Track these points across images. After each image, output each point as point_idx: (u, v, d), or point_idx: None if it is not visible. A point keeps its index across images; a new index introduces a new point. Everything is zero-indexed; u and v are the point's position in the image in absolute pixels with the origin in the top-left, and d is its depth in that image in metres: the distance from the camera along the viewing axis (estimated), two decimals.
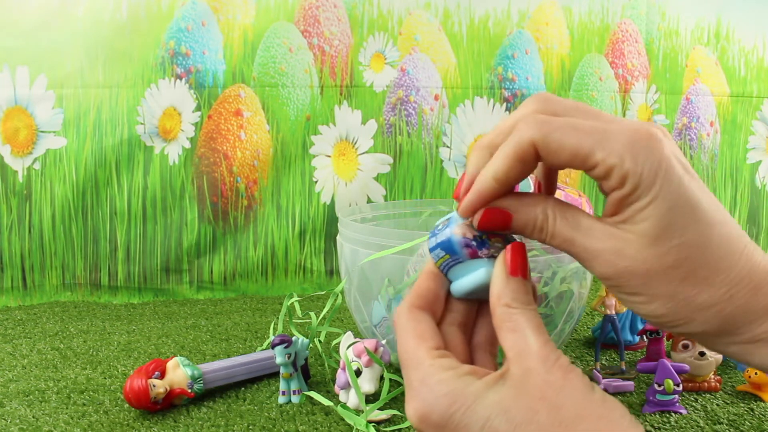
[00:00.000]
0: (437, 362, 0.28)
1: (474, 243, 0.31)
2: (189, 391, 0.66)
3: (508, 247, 0.30)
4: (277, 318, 0.94)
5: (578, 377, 0.27)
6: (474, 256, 0.31)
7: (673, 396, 0.64)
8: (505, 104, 1.25)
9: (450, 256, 0.31)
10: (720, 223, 0.27)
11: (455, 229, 0.31)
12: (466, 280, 0.32)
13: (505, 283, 0.29)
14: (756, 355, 0.28)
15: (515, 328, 0.28)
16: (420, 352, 0.29)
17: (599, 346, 0.76)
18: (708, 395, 0.69)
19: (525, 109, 0.29)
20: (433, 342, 0.30)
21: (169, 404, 0.66)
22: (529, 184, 0.35)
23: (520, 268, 0.29)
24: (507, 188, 0.29)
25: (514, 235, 0.32)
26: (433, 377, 0.28)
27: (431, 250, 0.32)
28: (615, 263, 0.27)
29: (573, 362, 0.28)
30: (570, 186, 1.15)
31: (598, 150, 0.26)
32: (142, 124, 1.10)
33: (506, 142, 0.28)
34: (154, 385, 0.64)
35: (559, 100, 0.29)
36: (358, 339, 0.67)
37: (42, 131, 1.08)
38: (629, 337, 0.83)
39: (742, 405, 0.67)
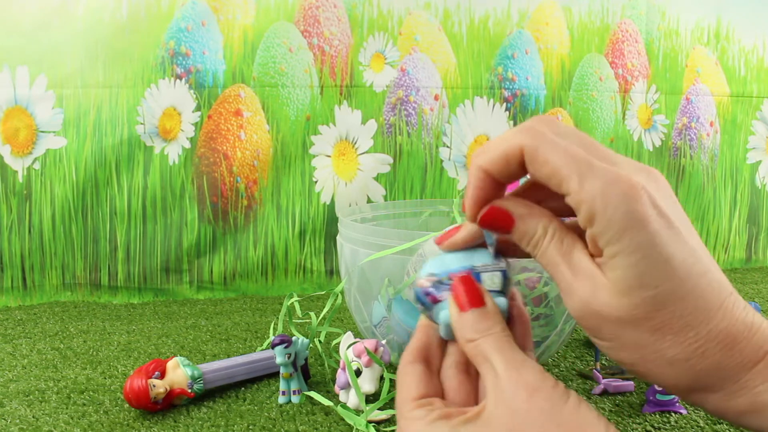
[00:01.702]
0: (412, 413, 0.29)
1: (432, 289, 0.32)
2: (189, 391, 0.66)
3: (453, 284, 0.31)
4: (277, 318, 0.94)
5: (544, 396, 0.26)
6: (435, 301, 0.32)
7: (673, 396, 0.64)
8: (505, 104, 1.25)
9: (423, 306, 0.33)
10: (698, 275, 0.26)
11: (417, 281, 0.33)
12: (441, 329, 0.33)
13: (461, 322, 0.30)
14: (731, 412, 0.27)
15: (483, 358, 0.29)
16: (402, 405, 0.30)
17: None
18: None
19: (526, 123, 0.29)
20: (416, 392, 0.30)
21: (169, 404, 0.66)
22: None
23: (468, 301, 0.30)
24: (491, 180, 0.30)
25: (477, 267, 0.32)
26: (408, 428, 0.29)
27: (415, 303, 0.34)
28: (588, 304, 0.28)
29: (552, 369, 0.28)
30: None
31: (575, 179, 0.26)
32: (142, 124, 1.10)
33: (500, 140, 0.29)
34: (154, 385, 0.64)
35: (562, 125, 0.29)
36: (358, 339, 0.67)
37: (42, 131, 1.08)
38: None
39: None
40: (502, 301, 0.32)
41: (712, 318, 0.26)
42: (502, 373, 0.28)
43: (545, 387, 0.27)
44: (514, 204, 0.30)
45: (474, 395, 0.32)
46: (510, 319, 0.33)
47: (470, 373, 0.32)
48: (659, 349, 0.27)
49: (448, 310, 0.32)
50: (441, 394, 0.31)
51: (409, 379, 0.31)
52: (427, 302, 0.32)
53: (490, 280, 0.32)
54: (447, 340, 0.33)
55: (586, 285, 0.27)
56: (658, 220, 0.26)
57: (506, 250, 0.33)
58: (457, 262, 0.32)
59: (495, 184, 0.30)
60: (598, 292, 0.27)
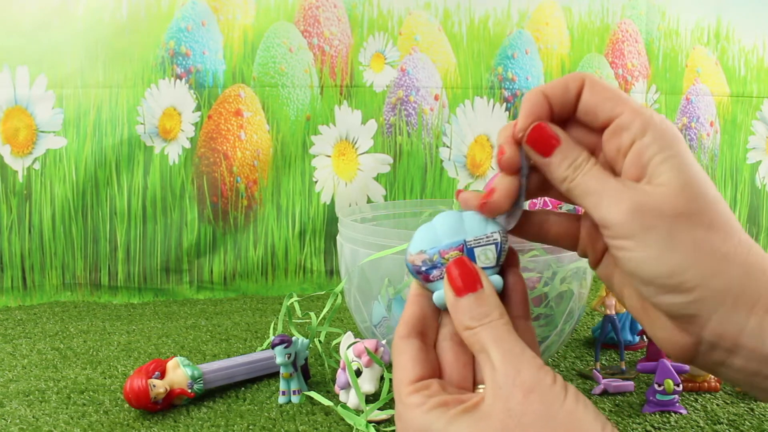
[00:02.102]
0: (410, 399, 0.29)
1: (423, 269, 0.32)
2: (189, 391, 0.66)
3: (448, 267, 0.30)
4: (277, 318, 0.94)
5: (539, 398, 0.26)
6: (427, 280, 0.32)
7: (673, 396, 0.64)
8: (505, 104, 1.25)
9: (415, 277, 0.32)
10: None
11: (407, 255, 0.32)
12: (435, 298, 0.32)
13: (457, 307, 0.30)
14: None
15: (480, 348, 0.29)
16: (399, 388, 0.30)
17: (599, 346, 0.76)
18: (708, 395, 0.69)
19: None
20: (412, 373, 0.30)
21: (169, 404, 0.66)
22: None
23: (465, 285, 0.30)
24: (547, 106, 0.30)
25: (470, 242, 0.31)
26: (406, 414, 0.29)
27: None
28: (644, 204, 0.27)
29: (556, 365, 0.28)
30: None
31: (630, 104, 0.29)
32: (142, 124, 1.10)
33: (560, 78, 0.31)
34: (154, 385, 0.64)
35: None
36: (358, 339, 0.67)
37: (42, 131, 1.08)
38: (629, 337, 0.83)
39: (742, 405, 0.67)
40: (496, 279, 0.31)
41: (740, 229, 0.28)
42: (499, 367, 0.27)
43: (542, 386, 0.27)
44: (558, 129, 0.31)
45: (470, 369, 0.32)
46: (505, 287, 0.32)
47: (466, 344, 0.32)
48: (715, 243, 0.27)
49: (442, 290, 0.31)
50: (438, 371, 0.31)
51: (405, 358, 0.31)
52: (420, 279, 0.32)
53: (484, 255, 0.31)
54: (441, 309, 0.32)
55: (637, 192, 0.28)
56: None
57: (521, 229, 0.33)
58: (447, 235, 0.31)
59: (548, 112, 0.31)
60: (652, 195, 0.27)
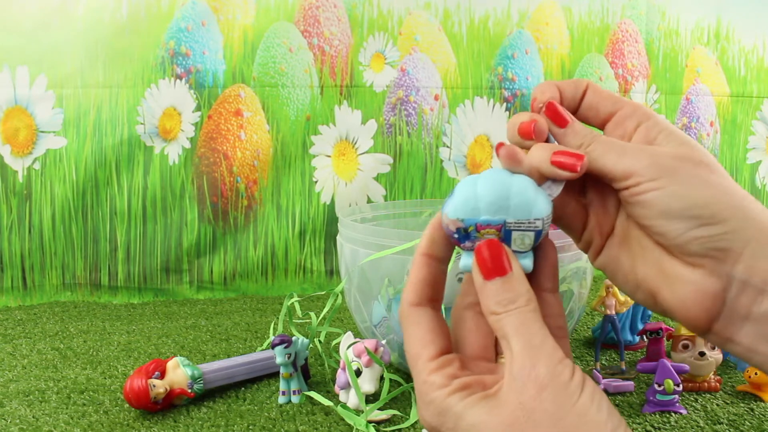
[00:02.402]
0: (432, 378, 0.29)
1: (456, 236, 0.30)
2: (189, 391, 0.66)
3: (478, 247, 0.29)
4: (277, 318, 0.94)
5: (551, 397, 0.26)
6: (458, 245, 0.31)
7: (673, 396, 0.64)
8: (505, 104, 1.25)
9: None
10: None
11: (443, 214, 0.30)
12: (462, 264, 0.31)
13: (484, 290, 0.29)
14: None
15: (502, 335, 0.28)
16: (419, 364, 0.30)
17: (599, 346, 0.76)
18: (708, 395, 0.69)
19: None
20: (433, 348, 0.30)
21: (169, 404, 0.66)
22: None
23: (494, 268, 0.29)
24: (559, 94, 0.33)
25: (510, 224, 0.30)
26: (427, 396, 0.29)
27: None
28: (661, 155, 0.29)
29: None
30: None
31: (629, 101, 0.33)
32: (142, 124, 1.10)
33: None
34: (154, 385, 0.64)
35: None
36: (358, 339, 0.67)
37: (42, 131, 1.08)
38: (629, 337, 0.83)
39: (742, 405, 0.67)
40: (527, 263, 0.30)
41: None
42: (516, 358, 0.27)
43: (556, 383, 0.26)
44: (567, 112, 0.32)
45: (492, 338, 0.31)
46: (536, 258, 0.31)
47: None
48: (733, 185, 0.29)
49: (469, 261, 0.30)
50: (450, 340, 0.31)
51: (421, 329, 0.30)
52: (451, 238, 0.31)
53: (521, 240, 0.30)
54: (465, 273, 0.31)
55: (652, 148, 0.30)
56: None
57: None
58: (489, 210, 0.29)
59: (560, 98, 0.33)
60: (668, 150, 0.30)
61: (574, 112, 0.33)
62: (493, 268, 0.29)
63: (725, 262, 0.28)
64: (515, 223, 0.30)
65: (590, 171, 0.30)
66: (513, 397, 0.27)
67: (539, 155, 0.30)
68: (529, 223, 0.30)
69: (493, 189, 0.29)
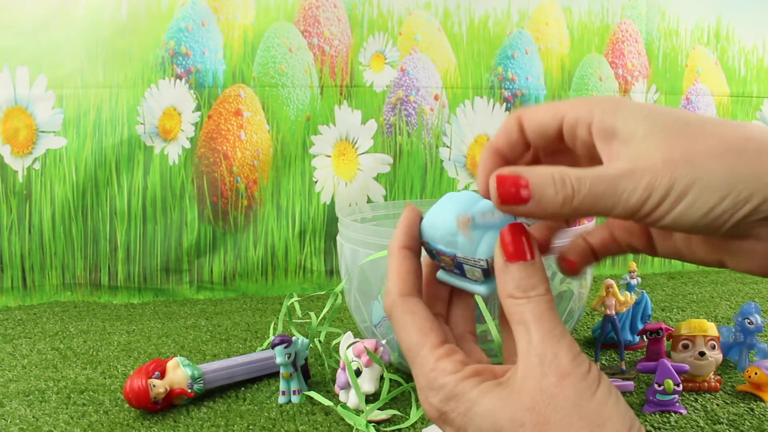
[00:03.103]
0: (441, 365, 0.28)
1: (427, 250, 0.31)
2: (189, 391, 0.66)
3: (505, 229, 0.29)
4: (277, 318, 0.94)
5: (572, 384, 0.26)
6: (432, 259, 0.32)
7: (673, 396, 0.64)
8: (505, 104, 1.25)
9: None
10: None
11: (421, 231, 0.31)
12: (438, 275, 0.32)
13: (506, 272, 0.28)
14: None
15: (520, 320, 0.28)
16: (424, 352, 0.29)
17: (599, 346, 0.76)
18: (708, 395, 0.69)
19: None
20: (435, 336, 0.29)
21: (169, 404, 0.66)
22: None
23: (520, 251, 0.28)
24: (499, 157, 0.30)
25: (459, 258, 0.30)
26: (436, 381, 0.28)
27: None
28: (658, 161, 0.26)
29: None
30: None
31: (566, 102, 0.29)
32: (142, 124, 1.10)
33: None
34: (154, 385, 0.64)
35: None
36: (358, 339, 0.67)
37: (42, 131, 1.08)
38: (629, 337, 0.83)
39: (742, 405, 0.67)
40: (481, 290, 0.30)
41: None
42: (537, 345, 0.27)
43: (576, 374, 0.26)
44: (516, 168, 0.28)
45: (470, 312, 0.32)
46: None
47: (468, 309, 0.32)
48: (727, 141, 0.26)
49: (486, 246, 0.29)
50: (445, 332, 0.31)
51: (419, 319, 0.30)
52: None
53: (471, 273, 0.30)
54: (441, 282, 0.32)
55: (631, 161, 0.27)
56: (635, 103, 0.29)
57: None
58: (442, 241, 0.30)
59: (502, 161, 0.31)
60: (644, 148, 0.27)
61: (530, 152, 0.31)
62: (520, 249, 0.28)
63: None
64: (463, 258, 0.30)
65: (595, 214, 0.28)
66: (532, 383, 0.26)
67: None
68: (474, 261, 0.30)
69: (446, 223, 0.30)
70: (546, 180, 0.27)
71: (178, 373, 0.66)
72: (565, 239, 0.35)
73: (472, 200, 0.30)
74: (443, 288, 0.33)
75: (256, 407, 0.67)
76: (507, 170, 0.28)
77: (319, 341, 0.81)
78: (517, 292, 0.28)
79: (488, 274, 0.30)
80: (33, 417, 0.65)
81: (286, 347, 0.67)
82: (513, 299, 0.28)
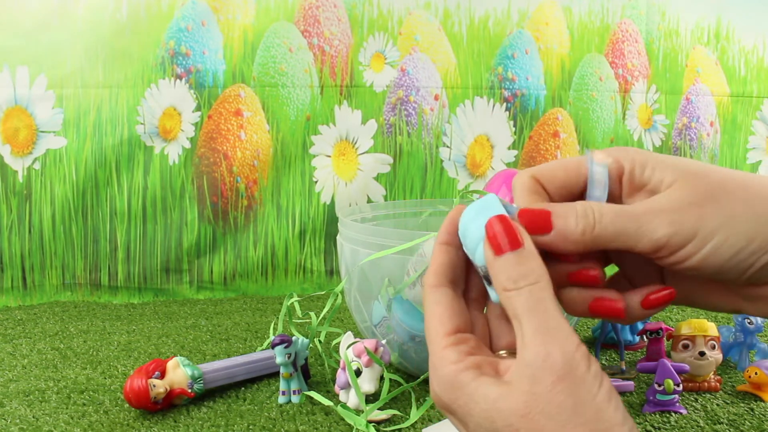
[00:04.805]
0: (446, 353, 0.28)
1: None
2: (189, 391, 0.66)
3: (488, 222, 0.28)
4: (277, 318, 0.94)
5: (568, 388, 0.25)
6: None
7: (673, 396, 0.64)
8: (505, 104, 1.25)
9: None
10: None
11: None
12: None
13: (495, 266, 0.28)
14: None
15: (513, 314, 0.27)
16: (436, 339, 0.29)
17: (599, 346, 0.76)
18: (708, 395, 0.69)
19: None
20: (450, 325, 0.29)
21: (169, 404, 0.66)
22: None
23: (508, 242, 0.28)
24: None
25: (481, 268, 0.30)
26: (440, 369, 0.28)
27: None
28: (676, 212, 0.27)
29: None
30: None
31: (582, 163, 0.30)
32: (142, 124, 1.10)
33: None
34: (154, 385, 0.64)
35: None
36: (358, 339, 0.67)
37: (42, 131, 1.08)
38: (629, 337, 0.83)
39: (742, 405, 0.67)
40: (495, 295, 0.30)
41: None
42: (528, 342, 0.26)
43: (574, 375, 0.25)
44: (541, 204, 0.30)
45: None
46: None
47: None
48: (748, 196, 0.27)
49: (481, 249, 0.29)
50: (469, 321, 0.30)
51: (440, 308, 0.30)
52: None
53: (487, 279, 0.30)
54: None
55: (659, 205, 0.28)
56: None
57: None
58: (468, 251, 0.30)
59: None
60: (671, 196, 0.28)
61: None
62: (506, 239, 0.28)
63: None
64: (476, 265, 0.30)
65: (610, 249, 0.28)
66: (525, 386, 0.25)
67: (580, 300, 0.30)
68: (480, 267, 0.30)
69: (466, 239, 0.30)
70: (568, 211, 0.28)
71: (178, 373, 0.66)
72: None
73: (496, 208, 0.30)
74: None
75: (256, 407, 0.67)
76: (534, 205, 0.29)
77: (319, 341, 0.81)
78: (508, 283, 0.27)
79: (489, 281, 0.30)
80: (33, 417, 0.65)
81: (286, 347, 0.67)
82: (506, 292, 0.27)
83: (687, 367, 0.66)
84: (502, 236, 0.28)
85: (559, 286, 0.30)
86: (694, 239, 0.26)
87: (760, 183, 0.27)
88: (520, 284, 0.27)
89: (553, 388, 0.25)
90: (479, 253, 0.29)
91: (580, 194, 0.30)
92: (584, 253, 0.29)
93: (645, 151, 0.29)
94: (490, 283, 0.29)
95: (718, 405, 0.67)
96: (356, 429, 0.61)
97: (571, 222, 0.28)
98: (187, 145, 1.13)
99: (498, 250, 0.28)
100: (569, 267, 0.29)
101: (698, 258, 0.27)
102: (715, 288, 0.30)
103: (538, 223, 0.28)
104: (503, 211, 0.29)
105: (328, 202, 1.19)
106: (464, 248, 0.31)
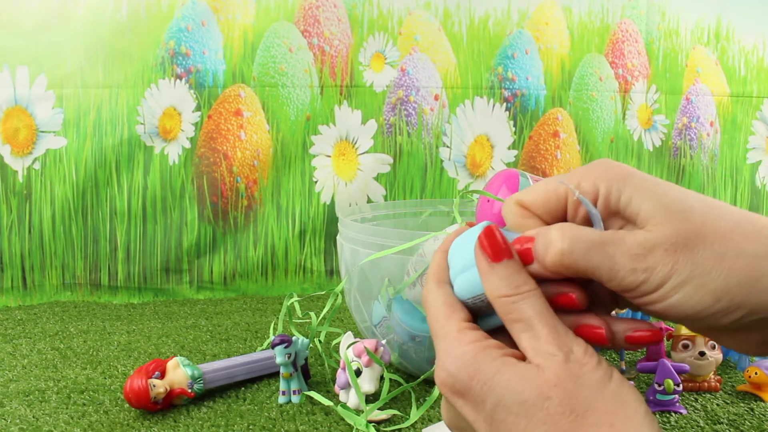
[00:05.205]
0: (463, 334, 0.28)
1: None
2: (189, 391, 0.66)
3: (481, 233, 0.29)
4: (277, 318, 0.94)
5: (592, 369, 0.26)
6: None
7: (673, 396, 0.64)
8: (505, 104, 1.25)
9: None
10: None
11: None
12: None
13: (492, 273, 0.28)
14: None
15: (519, 317, 0.28)
16: (449, 323, 0.29)
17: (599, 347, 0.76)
18: (708, 395, 0.69)
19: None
20: (463, 313, 0.29)
21: (169, 404, 0.66)
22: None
23: (500, 251, 0.28)
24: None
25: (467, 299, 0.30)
26: (457, 349, 0.28)
27: None
28: (646, 251, 0.27)
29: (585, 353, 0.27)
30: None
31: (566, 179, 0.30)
32: (142, 124, 1.10)
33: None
34: (154, 385, 0.64)
35: None
36: (358, 339, 0.67)
37: (42, 131, 1.08)
38: None
39: (742, 405, 0.67)
40: (497, 320, 0.30)
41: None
42: (547, 342, 0.27)
43: (591, 364, 0.26)
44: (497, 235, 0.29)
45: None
46: None
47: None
48: (739, 239, 0.26)
49: (466, 275, 0.29)
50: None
51: (450, 299, 0.30)
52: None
53: (486, 307, 0.30)
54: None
55: (636, 244, 0.27)
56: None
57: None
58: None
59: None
60: (652, 233, 0.27)
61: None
62: (500, 248, 0.28)
63: None
64: (472, 298, 0.30)
65: (592, 278, 0.28)
66: (555, 366, 0.26)
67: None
68: (478, 296, 0.30)
69: (451, 270, 0.31)
70: (540, 236, 0.28)
71: (178, 373, 0.66)
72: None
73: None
74: None
75: (256, 407, 0.67)
76: (528, 232, 0.29)
77: (319, 341, 0.81)
78: (509, 290, 0.28)
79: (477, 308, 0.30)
80: (33, 417, 0.65)
81: (286, 347, 0.67)
82: (507, 298, 0.28)
83: (687, 367, 0.66)
84: (498, 244, 0.28)
85: None
86: (662, 287, 0.27)
87: (742, 232, 0.26)
88: (523, 290, 0.28)
89: (580, 369, 0.26)
90: (461, 279, 0.30)
91: (562, 216, 0.30)
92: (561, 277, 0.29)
93: (624, 170, 0.28)
94: (478, 310, 0.30)
95: (718, 405, 0.67)
96: (356, 429, 0.61)
97: (541, 248, 0.28)
98: (187, 145, 1.13)
99: (495, 257, 0.28)
100: (549, 289, 0.29)
101: (664, 306, 0.27)
102: (689, 324, 0.30)
103: (520, 255, 0.29)
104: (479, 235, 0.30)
105: (328, 202, 1.19)
106: (450, 278, 0.31)
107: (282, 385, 0.68)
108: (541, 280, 0.29)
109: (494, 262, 0.28)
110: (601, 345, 0.29)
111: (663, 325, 0.77)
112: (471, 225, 0.32)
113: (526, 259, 0.29)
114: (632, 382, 0.70)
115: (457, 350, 0.28)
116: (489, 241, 0.29)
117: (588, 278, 0.28)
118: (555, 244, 0.28)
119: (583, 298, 0.29)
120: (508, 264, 0.28)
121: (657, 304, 0.27)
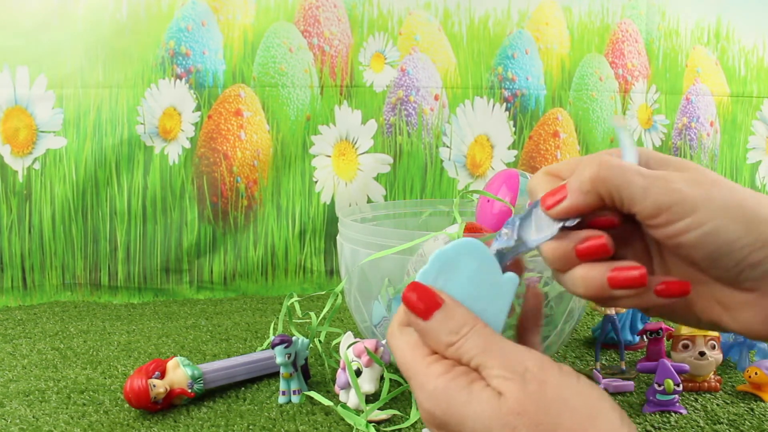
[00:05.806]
0: (431, 369, 0.29)
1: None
2: (189, 391, 0.66)
3: (404, 295, 0.30)
4: (277, 318, 0.94)
5: (554, 385, 0.27)
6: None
7: (673, 396, 0.64)
8: (505, 104, 1.25)
9: None
10: None
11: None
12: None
13: (429, 329, 0.29)
14: None
15: (469, 359, 0.28)
16: (415, 362, 0.30)
17: (599, 346, 0.76)
18: (708, 395, 0.69)
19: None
20: (427, 348, 0.30)
21: (169, 404, 0.66)
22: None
23: (427, 306, 0.29)
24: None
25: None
26: (429, 384, 0.28)
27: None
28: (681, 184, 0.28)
29: (560, 361, 0.28)
30: None
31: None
32: (142, 124, 1.10)
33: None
34: (154, 385, 0.64)
35: None
36: (358, 339, 0.67)
37: (42, 131, 1.08)
38: (629, 337, 0.83)
39: (742, 405, 0.67)
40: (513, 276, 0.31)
41: None
42: (500, 370, 0.27)
43: (552, 371, 0.27)
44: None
45: None
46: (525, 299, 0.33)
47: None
48: (747, 195, 0.28)
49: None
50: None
51: (413, 338, 0.30)
52: None
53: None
54: None
55: (666, 179, 0.28)
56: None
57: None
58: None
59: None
60: (678, 174, 0.29)
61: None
62: (426, 306, 0.29)
63: None
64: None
65: (614, 202, 0.28)
66: (514, 389, 0.27)
67: (596, 275, 0.29)
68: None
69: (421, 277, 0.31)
70: (578, 166, 0.29)
71: (178, 373, 0.66)
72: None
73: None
74: None
75: (256, 407, 0.67)
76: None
77: (319, 341, 0.81)
78: (451, 337, 0.29)
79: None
80: (33, 417, 0.65)
81: (286, 347, 0.67)
82: (452, 346, 0.29)
83: (687, 367, 0.66)
84: (422, 302, 0.29)
85: (570, 267, 0.30)
86: (694, 214, 0.27)
87: (743, 189, 0.28)
88: (463, 331, 0.29)
89: (540, 388, 0.26)
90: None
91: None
92: (596, 209, 0.29)
93: (630, 173, 0.28)
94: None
95: (718, 405, 0.67)
96: (356, 429, 0.61)
97: (574, 179, 0.29)
98: (187, 145, 1.13)
99: (425, 314, 0.29)
100: (577, 237, 0.29)
101: (696, 235, 0.27)
102: (698, 294, 0.30)
103: (425, 302, 0.29)
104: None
105: (328, 202, 1.19)
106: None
107: (282, 385, 0.68)
108: (559, 239, 0.29)
109: (426, 320, 0.29)
110: (635, 299, 0.29)
111: (663, 325, 0.77)
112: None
113: (430, 306, 0.29)
114: (632, 382, 0.70)
115: (429, 386, 0.28)
116: (417, 297, 0.29)
117: (619, 207, 0.28)
118: (591, 166, 0.28)
119: (611, 243, 0.29)
120: (438, 314, 0.29)
121: (689, 233, 0.27)
